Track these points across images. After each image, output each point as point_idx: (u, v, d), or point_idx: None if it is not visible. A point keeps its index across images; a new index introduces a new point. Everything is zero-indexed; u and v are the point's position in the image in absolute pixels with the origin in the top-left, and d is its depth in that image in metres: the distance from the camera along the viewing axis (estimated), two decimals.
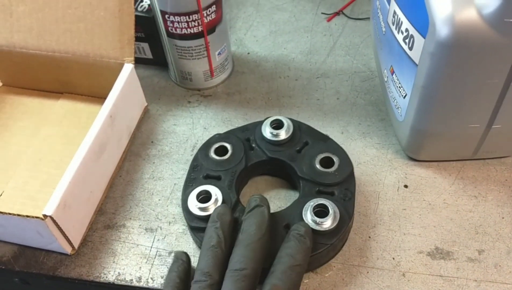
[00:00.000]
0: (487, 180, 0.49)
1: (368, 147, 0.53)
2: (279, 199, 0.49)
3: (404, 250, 0.44)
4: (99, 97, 0.57)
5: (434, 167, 0.50)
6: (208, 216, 0.42)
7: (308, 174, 0.46)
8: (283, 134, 0.48)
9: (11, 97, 0.59)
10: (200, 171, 0.47)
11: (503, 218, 0.46)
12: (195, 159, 0.49)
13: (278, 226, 0.43)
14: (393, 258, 0.44)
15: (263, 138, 0.49)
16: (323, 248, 0.41)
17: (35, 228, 0.42)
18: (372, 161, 0.51)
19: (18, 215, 0.41)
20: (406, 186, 0.49)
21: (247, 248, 0.38)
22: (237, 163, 0.47)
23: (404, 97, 0.47)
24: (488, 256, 0.44)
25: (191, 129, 0.56)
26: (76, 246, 0.46)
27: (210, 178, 0.47)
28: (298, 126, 0.49)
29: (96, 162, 0.47)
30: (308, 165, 0.46)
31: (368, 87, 0.59)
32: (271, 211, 0.43)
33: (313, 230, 0.41)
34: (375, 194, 0.48)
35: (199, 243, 0.44)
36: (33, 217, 0.41)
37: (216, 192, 0.44)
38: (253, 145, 0.49)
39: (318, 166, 0.46)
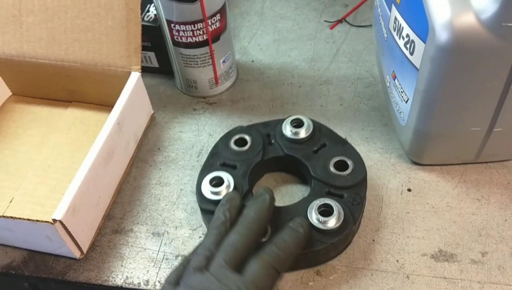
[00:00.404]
0: (489, 183, 0.49)
1: (372, 152, 0.53)
2: (290, 195, 0.50)
3: (408, 252, 0.45)
4: (107, 105, 0.58)
5: (437, 171, 0.51)
6: (219, 200, 0.44)
7: (320, 175, 0.47)
8: (302, 133, 0.50)
9: (21, 106, 0.61)
10: (218, 159, 0.49)
11: (506, 220, 0.46)
12: (215, 146, 0.51)
13: (283, 220, 0.44)
14: (397, 261, 0.44)
15: (283, 135, 0.50)
16: (322, 246, 0.42)
17: (44, 233, 0.43)
18: (375, 165, 0.52)
19: (28, 219, 0.42)
20: (409, 190, 0.49)
21: (243, 227, 0.40)
22: (254, 155, 0.49)
23: (406, 102, 0.47)
24: (491, 258, 0.44)
25: (197, 135, 0.57)
26: (84, 251, 0.46)
27: (226, 166, 0.49)
28: (319, 128, 0.51)
29: (104, 168, 0.48)
30: (322, 166, 0.47)
31: (371, 93, 0.60)
32: (279, 204, 0.45)
33: (316, 228, 0.42)
34: (378, 197, 0.49)
35: (208, 225, 0.46)
36: (42, 221, 0.41)
37: (229, 179, 0.46)
38: (273, 141, 0.51)
39: (332, 168, 0.47)
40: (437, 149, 0.49)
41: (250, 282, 0.36)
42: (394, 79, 0.50)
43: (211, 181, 0.46)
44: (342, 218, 0.43)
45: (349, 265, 0.44)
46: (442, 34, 0.38)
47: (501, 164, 0.51)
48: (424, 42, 0.41)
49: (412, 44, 0.43)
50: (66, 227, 0.42)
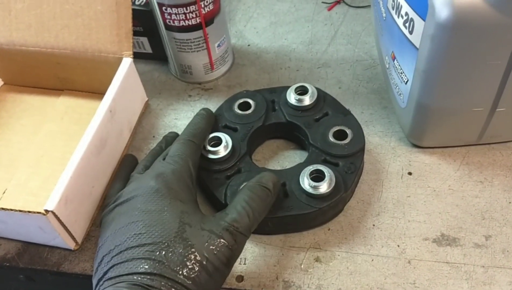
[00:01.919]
0: (492, 165, 0.48)
1: (371, 135, 0.52)
2: (288, 162, 0.51)
3: (409, 237, 0.44)
4: (99, 93, 0.56)
5: (439, 153, 0.49)
6: (216, 159, 0.46)
7: (319, 143, 0.47)
8: (306, 100, 0.50)
9: (12, 96, 0.59)
10: (220, 121, 0.51)
11: (510, 203, 0.45)
12: (219, 108, 0.52)
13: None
14: (398, 246, 0.43)
15: (287, 102, 0.51)
16: (311, 210, 0.42)
17: (37, 224, 0.42)
18: (375, 149, 0.51)
19: (20, 211, 0.41)
20: (410, 173, 0.48)
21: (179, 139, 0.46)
22: (255, 119, 0.50)
23: (406, 83, 0.46)
24: (495, 242, 0.43)
25: None
26: (79, 241, 0.45)
27: (227, 128, 0.50)
28: (323, 97, 0.51)
29: (97, 157, 0.46)
30: (322, 134, 0.48)
31: (370, 75, 0.58)
32: (275, 168, 0.49)
33: (307, 193, 0.43)
34: (378, 182, 0.48)
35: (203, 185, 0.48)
36: (34, 212, 0.40)
37: (227, 139, 0.47)
38: (276, 107, 0.52)
39: (330, 137, 0.47)
40: (438, 131, 0.47)
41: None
42: (393, 60, 0.48)
43: (209, 141, 0.48)
44: (333, 185, 0.43)
45: (349, 251, 0.43)
46: (442, 11, 0.37)
47: (505, 145, 0.49)
48: (424, 20, 0.39)
49: (411, 23, 0.42)
50: (58, 218, 0.41)
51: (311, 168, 0.44)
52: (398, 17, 0.44)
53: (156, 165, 0.44)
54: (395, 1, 0.45)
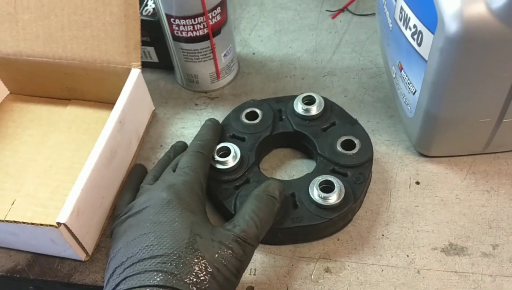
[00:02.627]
0: (498, 174, 0.49)
1: (378, 144, 0.52)
2: (296, 171, 0.51)
3: (418, 247, 0.44)
4: (107, 103, 0.57)
5: (445, 162, 0.50)
6: (225, 169, 0.47)
7: (326, 153, 0.48)
8: (313, 110, 0.50)
9: (19, 105, 0.60)
10: (227, 130, 0.51)
11: None
12: (226, 118, 0.52)
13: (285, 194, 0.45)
14: (407, 256, 0.44)
15: (294, 112, 0.51)
16: (321, 221, 0.43)
17: (48, 236, 0.42)
18: (382, 158, 0.51)
19: (32, 223, 0.41)
20: (417, 183, 0.49)
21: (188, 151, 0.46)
22: (263, 129, 0.50)
23: (414, 94, 0.46)
24: (502, 251, 0.43)
25: None
26: (90, 253, 0.46)
27: (235, 138, 0.50)
28: (330, 106, 0.51)
29: (107, 168, 0.47)
30: (330, 144, 0.48)
31: (375, 84, 0.59)
32: (284, 178, 0.49)
33: (316, 204, 0.44)
34: (387, 191, 0.48)
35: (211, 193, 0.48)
36: (46, 225, 0.41)
37: (236, 150, 0.48)
38: (283, 116, 0.52)
39: (338, 146, 0.48)
40: (445, 141, 0.48)
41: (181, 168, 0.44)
42: (401, 70, 0.49)
43: (218, 151, 0.48)
44: (342, 196, 0.43)
45: (358, 261, 0.44)
46: (451, 25, 0.37)
47: (510, 154, 0.50)
48: (433, 33, 0.40)
49: (420, 35, 0.42)
50: (70, 230, 0.42)
51: (320, 178, 0.44)
52: (406, 28, 0.45)
53: (166, 177, 0.44)
54: (403, 13, 0.45)
